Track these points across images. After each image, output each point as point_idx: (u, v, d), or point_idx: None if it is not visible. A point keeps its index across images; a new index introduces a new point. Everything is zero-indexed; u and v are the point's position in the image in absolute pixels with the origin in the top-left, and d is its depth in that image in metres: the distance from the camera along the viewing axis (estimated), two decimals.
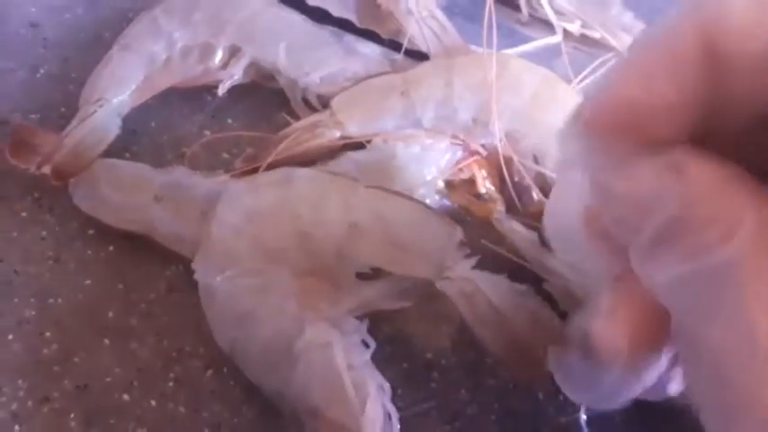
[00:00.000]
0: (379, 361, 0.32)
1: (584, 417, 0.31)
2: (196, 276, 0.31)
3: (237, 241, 0.31)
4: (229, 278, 0.30)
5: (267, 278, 0.30)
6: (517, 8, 0.41)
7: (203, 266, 0.31)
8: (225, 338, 0.30)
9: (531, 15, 0.41)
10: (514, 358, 0.30)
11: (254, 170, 0.35)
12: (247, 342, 0.30)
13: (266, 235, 0.31)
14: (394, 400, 0.29)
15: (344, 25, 0.39)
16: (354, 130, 0.36)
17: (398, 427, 0.28)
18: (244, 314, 0.30)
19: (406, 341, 0.33)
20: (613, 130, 0.16)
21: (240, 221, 0.31)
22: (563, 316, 0.30)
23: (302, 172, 0.32)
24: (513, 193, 0.34)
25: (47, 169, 0.33)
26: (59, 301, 0.33)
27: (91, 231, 0.34)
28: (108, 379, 0.31)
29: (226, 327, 0.30)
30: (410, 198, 0.31)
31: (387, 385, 0.29)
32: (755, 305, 0.14)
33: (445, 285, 0.30)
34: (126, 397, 0.31)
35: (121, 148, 0.36)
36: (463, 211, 0.35)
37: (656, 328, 0.17)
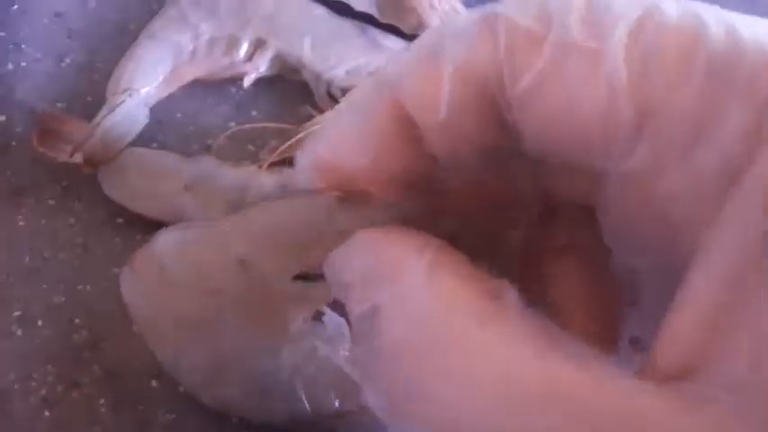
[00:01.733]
0: None
1: None
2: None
3: (159, 321, 0.29)
4: (179, 353, 0.29)
5: (208, 327, 0.29)
6: None
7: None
8: (208, 401, 0.30)
9: None
10: None
11: (281, 162, 0.35)
12: (230, 396, 0.29)
13: (169, 303, 0.29)
14: None
15: (366, 19, 0.39)
16: None
17: None
18: (209, 375, 0.29)
19: None
20: (323, 181, 0.18)
21: (144, 310, 0.30)
22: None
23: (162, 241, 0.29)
24: None
25: (77, 158, 0.34)
26: (88, 287, 0.33)
27: (119, 219, 0.35)
28: (136, 365, 0.32)
29: (202, 392, 0.30)
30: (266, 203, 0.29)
31: None
32: None
33: None
34: (154, 383, 0.32)
35: (148, 138, 0.36)
36: None
37: None
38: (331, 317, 0.28)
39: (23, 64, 0.39)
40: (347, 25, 0.38)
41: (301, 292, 0.28)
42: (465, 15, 0.16)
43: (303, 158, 0.18)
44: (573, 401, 0.13)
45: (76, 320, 0.33)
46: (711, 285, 0.13)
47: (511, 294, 0.15)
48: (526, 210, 0.19)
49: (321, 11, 0.38)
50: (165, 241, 0.28)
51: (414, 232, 0.16)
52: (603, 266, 0.19)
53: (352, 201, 0.19)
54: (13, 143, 0.37)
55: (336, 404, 0.28)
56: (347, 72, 0.37)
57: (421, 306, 0.15)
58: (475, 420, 0.14)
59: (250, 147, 0.37)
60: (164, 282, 0.28)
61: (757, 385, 0.12)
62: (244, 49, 0.37)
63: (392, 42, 0.38)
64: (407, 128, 0.16)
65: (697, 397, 0.13)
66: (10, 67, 0.38)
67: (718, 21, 0.14)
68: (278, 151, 0.36)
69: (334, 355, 0.28)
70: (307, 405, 0.29)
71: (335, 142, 0.17)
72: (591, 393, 0.13)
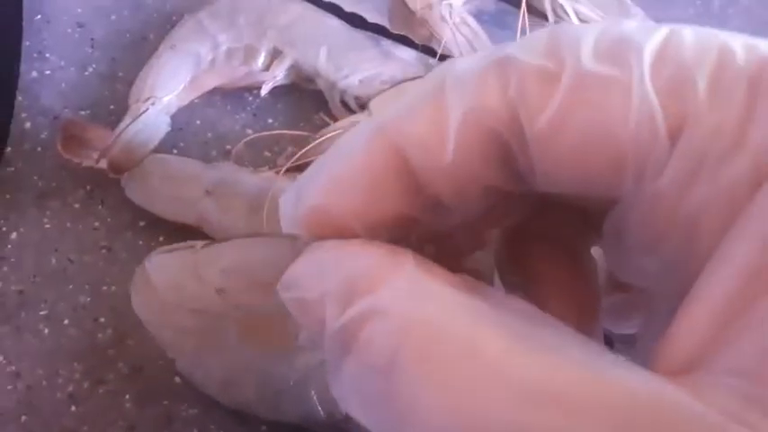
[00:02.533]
0: None
1: None
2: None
3: (163, 329, 0.31)
4: (189, 360, 0.31)
5: (210, 340, 0.30)
6: (543, 16, 0.43)
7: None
8: (224, 402, 0.31)
9: (556, 23, 0.43)
10: None
11: (298, 167, 0.36)
12: (244, 401, 0.31)
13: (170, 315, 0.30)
14: None
15: (379, 31, 0.41)
16: None
17: None
18: (222, 382, 0.31)
19: None
20: (308, 223, 0.17)
21: (149, 316, 0.31)
22: None
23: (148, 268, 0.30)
24: None
25: (103, 164, 0.35)
26: (113, 288, 0.35)
27: (142, 223, 0.36)
28: (160, 362, 0.33)
29: (218, 397, 0.31)
30: (246, 235, 0.30)
31: None
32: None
33: None
34: (178, 379, 0.33)
35: (170, 144, 0.38)
36: None
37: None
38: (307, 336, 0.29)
39: (47, 72, 0.40)
40: (360, 36, 0.40)
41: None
42: (468, 58, 0.16)
43: (286, 205, 0.17)
44: (575, 399, 0.13)
45: (101, 320, 0.34)
46: (727, 281, 0.13)
47: (494, 291, 0.15)
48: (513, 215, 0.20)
49: (336, 22, 0.40)
50: (153, 263, 0.30)
51: (379, 242, 0.16)
52: (583, 258, 0.20)
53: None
54: (39, 149, 0.38)
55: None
56: (360, 81, 0.39)
57: (409, 314, 0.14)
58: (483, 424, 0.13)
59: (267, 153, 0.39)
60: (157, 300, 0.29)
61: (766, 372, 0.12)
62: (261, 58, 0.39)
63: (404, 53, 0.40)
64: (404, 174, 0.16)
65: (706, 384, 0.13)
66: (34, 75, 0.40)
67: (736, 39, 0.14)
68: (294, 157, 0.37)
69: None
70: (320, 409, 0.30)
71: (325, 185, 0.16)
72: (588, 390, 0.13)
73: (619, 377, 0.13)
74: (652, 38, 0.14)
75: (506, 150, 0.15)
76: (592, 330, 0.20)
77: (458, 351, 0.14)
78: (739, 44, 0.14)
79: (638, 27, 0.15)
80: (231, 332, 0.29)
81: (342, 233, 0.16)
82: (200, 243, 0.29)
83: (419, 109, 0.16)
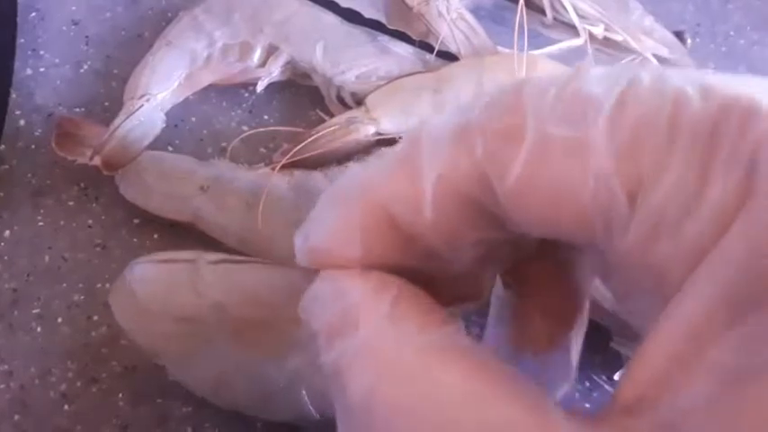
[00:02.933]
0: None
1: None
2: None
3: (146, 336, 0.30)
4: (177, 363, 0.30)
5: (195, 346, 0.29)
6: (542, 12, 0.42)
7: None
8: (217, 403, 0.31)
9: (555, 19, 0.42)
10: None
11: (294, 164, 0.36)
12: (237, 403, 0.30)
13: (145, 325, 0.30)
14: None
15: (375, 26, 0.40)
16: (388, 126, 0.37)
17: None
18: (214, 386, 0.30)
19: None
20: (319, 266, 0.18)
21: (130, 324, 0.30)
22: None
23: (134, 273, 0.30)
24: None
25: (96, 161, 0.35)
26: (107, 286, 0.34)
27: (136, 220, 0.36)
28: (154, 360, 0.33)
29: (211, 398, 0.31)
30: (254, 261, 0.31)
31: None
32: None
33: None
34: (171, 377, 0.33)
35: (164, 141, 0.37)
36: None
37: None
38: None
39: (42, 69, 0.40)
40: (357, 32, 0.40)
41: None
42: (438, 120, 0.17)
43: (297, 240, 0.18)
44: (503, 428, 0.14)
45: (95, 318, 0.34)
46: (676, 331, 0.14)
47: (462, 333, 0.16)
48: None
49: (331, 18, 0.39)
50: (136, 273, 0.29)
51: (374, 272, 0.17)
52: (575, 274, 0.20)
53: None
54: (33, 146, 0.38)
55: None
56: (357, 77, 0.38)
57: (385, 353, 0.15)
58: None
59: (263, 150, 0.38)
60: (140, 309, 0.29)
61: (686, 419, 0.13)
62: (257, 55, 0.38)
63: (400, 48, 0.39)
64: (394, 228, 0.17)
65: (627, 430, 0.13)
66: (29, 72, 0.40)
67: (693, 84, 0.14)
68: (290, 154, 0.37)
69: None
70: (312, 410, 0.29)
71: (325, 236, 0.18)
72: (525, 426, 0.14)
73: (559, 421, 0.14)
74: (607, 92, 0.15)
75: (480, 207, 0.16)
76: (568, 341, 0.20)
77: (424, 395, 0.15)
78: (697, 89, 0.14)
79: (599, 79, 0.15)
80: (220, 336, 0.29)
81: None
82: (204, 258, 0.29)
83: (398, 169, 0.17)
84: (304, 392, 0.29)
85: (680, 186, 0.14)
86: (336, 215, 0.17)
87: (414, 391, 0.15)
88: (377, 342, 0.15)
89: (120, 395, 0.32)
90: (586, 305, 0.21)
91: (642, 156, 0.14)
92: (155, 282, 0.29)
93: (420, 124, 0.17)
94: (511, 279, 0.21)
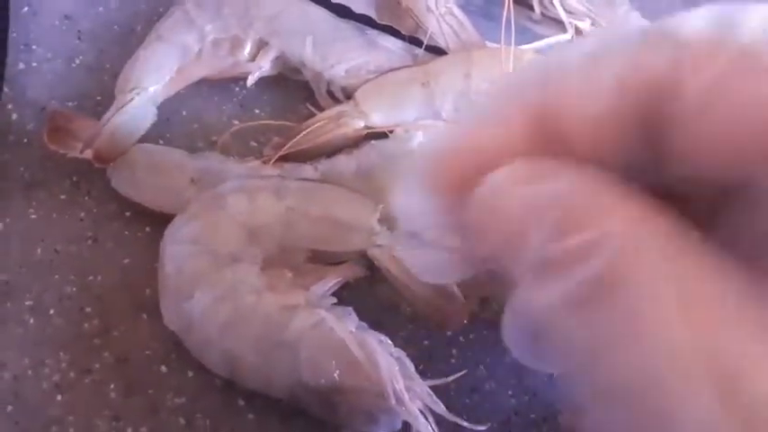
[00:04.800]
0: (402, 339, 0.34)
1: None
2: (166, 322, 0.32)
3: (192, 264, 0.32)
4: (198, 299, 0.31)
5: (232, 281, 0.32)
6: (530, 7, 0.43)
7: (170, 310, 0.32)
8: (215, 358, 0.31)
9: (543, 14, 0.43)
10: (434, 311, 0.33)
11: (284, 157, 0.36)
12: (239, 350, 0.31)
13: (215, 245, 0.32)
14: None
15: (365, 21, 0.41)
16: (377, 120, 0.38)
17: (412, 365, 0.30)
18: (224, 323, 0.31)
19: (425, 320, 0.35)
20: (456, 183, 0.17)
21: (186, 249, 0.32)
22: None
23: (227, 186, 0.34)
24: None
25: (88, 154, 0.35)
26: (99, 278, 0.35)
27: (128, 213, 0.36)
28: (147, 352, 0.33)
29: (212, 345, 0.31)
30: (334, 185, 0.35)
31: (384, 337, 0.31)
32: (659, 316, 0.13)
33: (375, 252, 0.33)
34: (164, 368, 0.33)
35: (156, 135, 0.38)
36: None
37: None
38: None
39: (34, 64, 0.40)
40: (346, 26, 0.40)
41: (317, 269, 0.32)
42: (632, 26, 0.16)
43: (427, 164, 0.17)
44: None
45: (87, 309, 0.34)
46: None
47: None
48: None
49: (321, 13, 0.40)
50: (229, 186, 0.33)
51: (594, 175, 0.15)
52: None
53: None
54: (25, 140, 0.38)
55: (336, 376, 0.29)
56: (346, 71, 0.39)
57: (636, 239, 0.14)
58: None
59: (253, 143, 0.39)
60: (220, 221, 0.32)
61: None
62: (247, 49, 0.39)
63: (390, 43, 0.40)
64: (547, 140, 0.16)
65: None
66: (21, 66, 0.40)
67: None
68: (281, 147, 0.37)
69: (339, 328, 0.29)
70: (305, 374, 0.30)
71: (474, 128, 0.17)
72: None
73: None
74: None
75: (649, 126, 0.15)
76: None
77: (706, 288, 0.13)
78: None
79: None
80: (252, 281, 0.31)
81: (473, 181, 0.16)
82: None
83: (576, 70, 0.16)
84: (304, 356, 0.29)
85: None
86: (482, 120, 0.17)
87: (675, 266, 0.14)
88: (627, 229, 0.14)
89: (113, 386, 0.33)
90: None
91: None
92: (246, 187, 0.34)
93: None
94: None
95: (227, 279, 0.32)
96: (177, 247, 0.33)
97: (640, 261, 0.14)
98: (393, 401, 0.28)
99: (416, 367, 0.31)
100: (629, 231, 0.14)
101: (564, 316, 0.14)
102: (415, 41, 0.40)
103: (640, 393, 0.13)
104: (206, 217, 0.33)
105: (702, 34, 0.14)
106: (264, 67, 0.39)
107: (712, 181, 0.15)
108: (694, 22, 0.15)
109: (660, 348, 0.13)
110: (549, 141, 0.16)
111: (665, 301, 0.13)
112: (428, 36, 0.39)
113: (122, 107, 0.36)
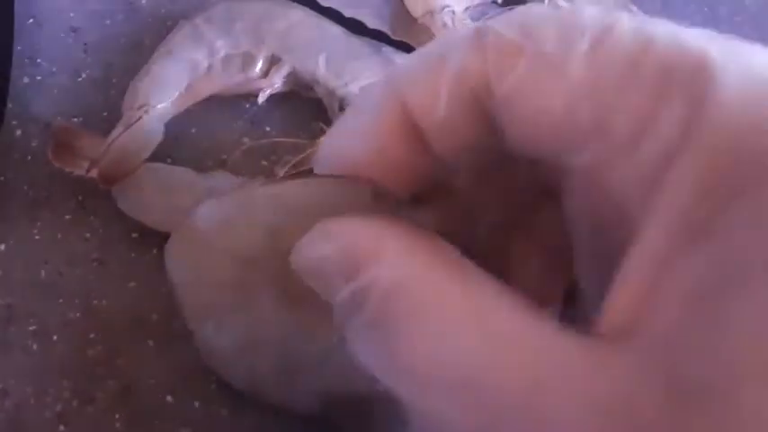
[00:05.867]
0: None
1: None
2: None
3: (197, 294, 0.30)
4: (217, 321, 0.30)
5: (244, 301, 0.29)
6: None
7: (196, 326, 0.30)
8: (239, 375, 0.30)
9: None
10: None
11: (294, 176, 0.35)
12: (261, 369, 0.30)
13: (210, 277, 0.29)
14: None
15: (379, 37, 0.40)
16: None
17: None
18: (242, 345, 0.30)
19: None
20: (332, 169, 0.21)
21: (185, 276, 0.30)
22: None
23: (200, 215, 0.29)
24: None
25: (94, 173, 0.34)
26: (104, 302, 0.34)
27: (135, 234, 0.35)
28: (152, 381, 0.32)
29: (232, 365, 0.30)
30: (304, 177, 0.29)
31: None
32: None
33: None
34: (170, 398, 0.32)
35: (163, 153, 0.36)
36: None
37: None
38: None
39: (39, 78, 0.39)
40: (361, 43, 0.39)
41: None
42: (466, 28, 0.19)
43: (320, 153, 0.21)
44: (502, 336, 0.15)
45: (92, 335, 0.33)
46: (642, 263, 0.15)
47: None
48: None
49: (335, 29, 0.39)
50: (203, 210, 0.29)
51: (378, 216, 0.18)
52: (558, 249, 0.21)
53: (387, 199, 0.20)
54: (29, 157, 0.37)
55: (369, 385, 0.28)
56: (360, 89, 0.38)
57: (401, 279, 0.17)
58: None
59: (264, 162, 0.38)
60: (202, 247, 0.28)
61: (666, 342, 0.14)
62: (259, 66, 0.38)
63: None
64: (410, 127, 0.18)
65: (612, 350, 0.15)
66: (26, 80, 0.39)
67: (666, 31, 0.16)
68: (290, 165, 0.36)
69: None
70: (336, 386, 0.29)
71: (342, 135, 0.20)
72: (522, 334, 0.16)
73: (556, 332, 0.16)
74: (596, 25, 0.17)
75: (485, 111, 0.18)
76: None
77: (427, 304, 0.16)
78: (669, 36, 0.16)
79: (593, 15, 0.17)
80: (268, 294, 0.29)
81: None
82: (258, 181, 0.29)
83: (422, 68, 0.19)
84: (335, 366, 0.28)
85: (637, 112, 0.16)
86: (358, 116, 0.20)
87: (417, 301, 0.16)
88: (395, 270, 0.17)
89: (117, 416, 0.32)
90: (559, 284, 0.22)
91: (608, 81, 0.16)
92: (219, 212, 0.29)
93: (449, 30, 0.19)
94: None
95: (239, 299, 0.30)
96: (179, 275, 0.30)
97: (401, 301, 0.17)
98: None
99: None
100: (395, 274, 0.17)
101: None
102: None
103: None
104: (188, 246, 0.30)
105: (513, 34, 0.17)
106: (276, 83, 0.38)
107: (539, 155, 0.18)
108: (510, 23, 0.18)
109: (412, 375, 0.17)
110: (411, 133, 0.19)
111: (419, 335, 0.16)
112: None
113: (130, 125, 0.35)
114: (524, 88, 0.17)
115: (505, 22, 0.18)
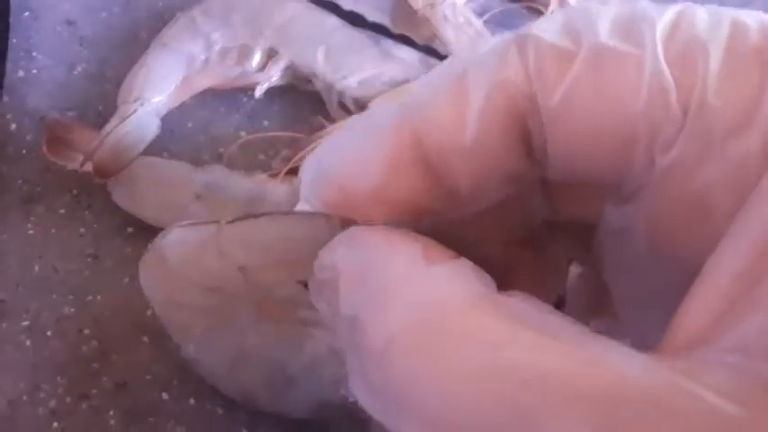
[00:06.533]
0: None
1: None
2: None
3: (174, 310, 0.29)
4: (196, 343, 0.29)
5: (229, 318, 0.28)
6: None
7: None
8: (230, 386, 0.30)
9: None
10: None
11: (292, 171, 0.35)
12: (252, 385, 0.29)
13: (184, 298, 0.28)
14: None
15: (379, 30, 0.39)
16: None
17: None
18: (231, 362, 0.29)
19: None
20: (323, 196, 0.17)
21: (159, 297, 0.28)
22: None
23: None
24: None
25: (88, 167, 0.34)
26: (98, 298, 0.33)
27: (130, 229, 0.34)
28: (147, 377, 0.32)
29: (223, 380, 0.30)
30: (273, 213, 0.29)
31: None
32: None
33: None
34: (165, 395, 0.31)
35: (159, 147, 0.36)
36: None
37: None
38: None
39: (34, 71, 0.38)
40: (360, 36, 0.38)
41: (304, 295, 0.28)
42: (488, 43, 0.16)
43: (306, 173, 0.18)
44: (564, 383, 0.12)
45: (86, 331, 0.33)
46: (736, 260, 0.13)
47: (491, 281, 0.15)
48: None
49: (334, 21, 0.38)
50: (169, 238, 0.27)
51: (395, 228, 0.16)
52: (547, 261, 0.20)
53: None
54: (24, 151, 0.36)
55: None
56: (359, 82, 0.37)
57: (417, 295, 0.14)
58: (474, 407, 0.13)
59: (261, 156, 0.37)
60: (170, 276, 0.27)
61: (764, 348, 0.12)
62: (256, 58, 0.37)
63: (405, 53, 0.38)
64: (422, 159, 0.16)
65: (705, 362, 0.13)
66: (21, 74, 0.38)
67: (747, 15, 0.15)
68: (292, 161, 0.36)
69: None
70: (330, 393, 0.28)
71: (343, 160, 0.17)
72: (580, 373, 0.12)
73: (611, 360, 0.13)
74: (665, 14, 0.15)
75: (525, 129, 0.16)
76: None
77: (452, 336, 0.14)
78: (752, 20, 0.15)
79: (650, 5, 0.15)
80: (246, 313, 0.28)
81: (356, 213, 0.17)
82: (225, 219, 0.28)
83: (442, 90, 0.16)
84: (327, 376, 0.28)
85: (734, 103, 0.14)
86: (361, 141, 0.17)
87: (440, 334, 0.14)
88: (405, 285, 0.15)
89: (111, 413, 0.31)
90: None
91: (699, 67, 0.14)
92: (185, 245, 0.27)
93: (455, 56, 0.17)
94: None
95: (214, 322, 0.28)
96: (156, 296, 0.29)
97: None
98: None
99: None
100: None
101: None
102: (430, 51, 0.39)
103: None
104: (156, 274, 0.28)
105: (558, 38, 0.15)
106: (274, 76, 0.37)
107: (586, 180, 0.16)
108: (551, 26, 0.16)
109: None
110: (421, 168, 0.16)
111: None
112: (445, 46, 0.38)
113: (125, 119, 0.34)
114: (584, 92, 0.15)
115: (545, 27, 0.16)
